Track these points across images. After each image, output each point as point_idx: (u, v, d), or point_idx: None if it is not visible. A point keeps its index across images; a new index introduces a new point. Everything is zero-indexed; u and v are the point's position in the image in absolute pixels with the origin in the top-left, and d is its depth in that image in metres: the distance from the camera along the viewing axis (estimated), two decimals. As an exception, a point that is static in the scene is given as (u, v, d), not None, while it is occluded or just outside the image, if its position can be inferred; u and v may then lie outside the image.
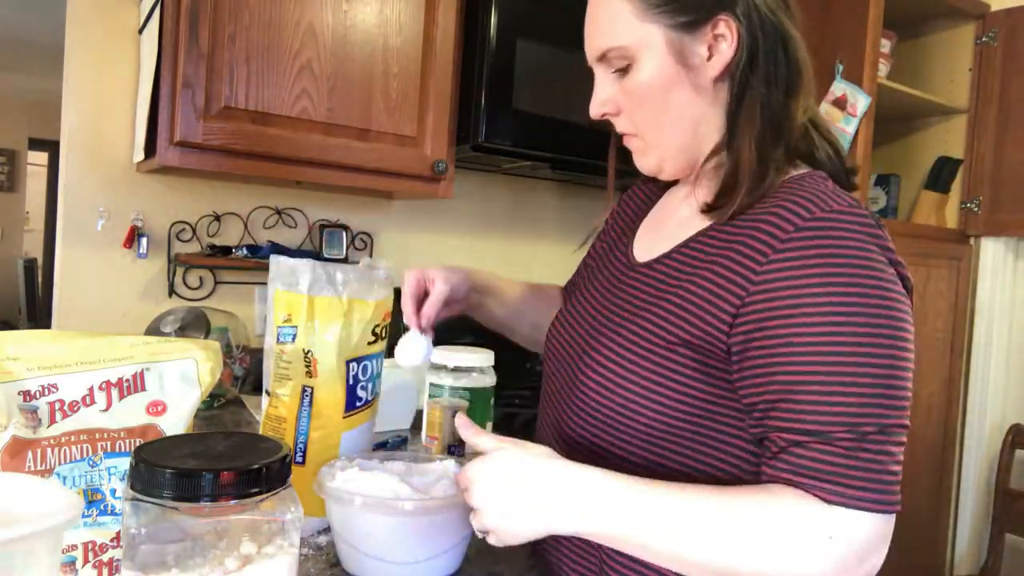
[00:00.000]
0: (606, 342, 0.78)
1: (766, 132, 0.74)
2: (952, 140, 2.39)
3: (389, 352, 0.98)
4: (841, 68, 1.99)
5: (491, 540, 0.71)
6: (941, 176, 2.34)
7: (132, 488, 0.55)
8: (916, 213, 2.38)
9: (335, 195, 1.88)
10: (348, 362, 0.88)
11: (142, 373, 0.70)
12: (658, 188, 0.95)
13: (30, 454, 0.65)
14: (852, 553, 0.63)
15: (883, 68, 2.12)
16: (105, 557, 0.67)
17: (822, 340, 0.64)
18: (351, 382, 0.88)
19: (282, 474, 0.58)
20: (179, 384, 0.72)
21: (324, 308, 0.86)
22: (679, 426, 0.73)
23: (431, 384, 1.20)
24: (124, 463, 0.67)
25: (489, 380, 1.20)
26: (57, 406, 0.66)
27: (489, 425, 1.13)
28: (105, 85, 1.61)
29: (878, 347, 0.64)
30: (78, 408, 0.67)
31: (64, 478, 0.66)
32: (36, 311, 5.70)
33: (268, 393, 0.89)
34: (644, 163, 0.83)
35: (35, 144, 6.40)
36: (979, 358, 2.40)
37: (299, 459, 0.86)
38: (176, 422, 0.71)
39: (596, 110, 0.82)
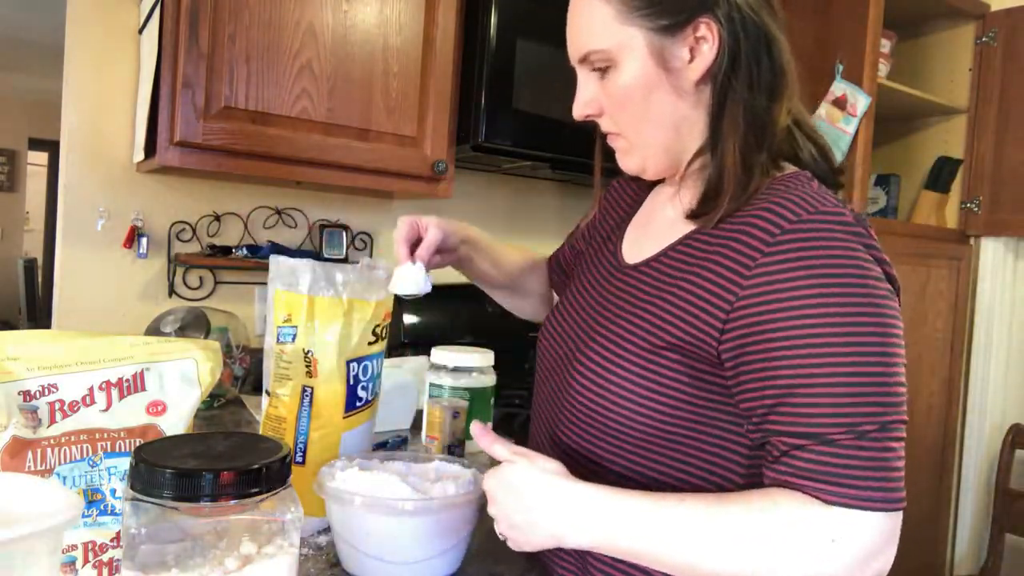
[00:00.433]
0: (595, 346, 0.79)
1: (749, 136, 0.74)
2: (952, 140, 2.39)
3: (389, 352, 0.98)
4: (841, 68, 1.99)
5: (509, 544, 0.74)
6: (941, 176, 2.34)
7: (132, 488, 0.55)
8: (916, 213, 2.38)
9: (335, 195, 1.88)
10: (348, 362, 0.88)
11: (142, 373, 0.70)
12: (645, 186, 0.95)
13: (30, 454, 0.65)
14: (858, 554, 0.63)
15: (883, 68, 2.12)
16: (105, 557, 0.67)
17: (815, 343, 0.64)
18: (351, 382, 0.88)
19: (282, 474, 0.58)
20: (179, 384, 0.72)
21: (324, 308, 0.86)
22: (669, 431, 0.73)
23: (431, 384, 1.20)
24: (124, 463, 0.68)
25: (489, 380, 1.21)
26: (57, 406, 0.66)
27: (488, 425, 1.13)
28: (105, 85, 1.61)
29: (870, 346, 0.64)
30: (78, 408, 0.67)
31: (64, 478, 0.66)
32: (36, 311, 5.70)
33: (268, 393, 0.89)
34: (627, 163, 0.83)
35: (35, 144, 6.40)
36: (979, 358, 2.40)
37: (299, 459, 0.86)
38: (176, 422, 0.71)
39: (579, 111, 0.82)
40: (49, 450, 0.65)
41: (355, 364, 0.88)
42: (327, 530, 0.87)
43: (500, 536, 0.75)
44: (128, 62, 1.62)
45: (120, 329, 1.61)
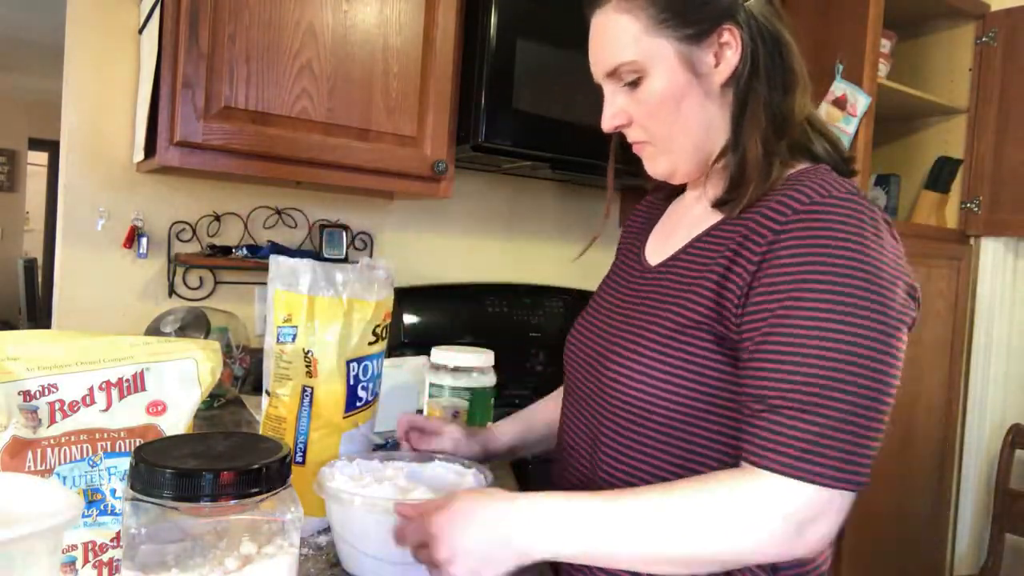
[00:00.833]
0: (629, 336, 0.81)
1: (769, 130, 0.80)
2: (952, 140, 2.39)
3: (389, 352, 0.98)
4: (841, 68, 1.99)
5: None
6: (941, 176, 2.34)
7: (132, 488, 0.55)
8: (916, 213, 2.38)
9: (335, 195, 1.88)
10: (348, 362, 0.88)
11: (142, 373, 0.70)
12: (661, 199, 0.99)
13: (30, 454, 0.65)
14: (786, 522, 0.65)
15: (883, 68, 2.12)
16: (105, 557, 0.67)
17: (806, 314, 0.67)
18: (351, 382, 0.88)
19: (282, 474, 0.58)
20: (179, 384, 0.72)
21: (324, 308, 0.86)
22: (708, 415, 0.76)
23: (431, 384, 1.20)
24: (124, 463, 0.67)
25: (489, 380, 1.20)
26: (57, 406, 0.66)
27: (489, 425, 1.13)
28: (105, 85, 1.61)
29: (860, 323, 0.66)
30: (78, 408, 0.67)
31: (64, 478, 0.66)
32: (36, 311, 5.70)
33: (268, 393, 0.89)
34: (656, 168, 0.87)
35: (35, 144, 6.40)
36: (979, 358, 2.40)
37: (299, 459, 0.86)
38: (176, 422, 0.71)
39: (608, 123, 0.86)
40: (49, 450, 0.65)
41: (355, 364, 0.88)
42: (327, 530, 0.87)
43: None
44: (128, 62, 1.62)
45: (120, 329, 1.61)
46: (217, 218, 1.74)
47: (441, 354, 1.19)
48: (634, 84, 0.82)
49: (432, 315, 1.91)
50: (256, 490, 0.55)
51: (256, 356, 1.54)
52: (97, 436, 0.67)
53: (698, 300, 0.76)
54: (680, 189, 0.95)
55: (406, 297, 1.86)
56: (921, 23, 2.40)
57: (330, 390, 0.87)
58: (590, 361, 0.88)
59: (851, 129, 1.98)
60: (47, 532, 0.47)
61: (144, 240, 1.64)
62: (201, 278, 1.73)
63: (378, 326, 0.91)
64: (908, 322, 0.71)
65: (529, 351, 2.04)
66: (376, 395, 0.94)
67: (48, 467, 0.65)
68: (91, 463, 0.67)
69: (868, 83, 1.97)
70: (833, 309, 0.67)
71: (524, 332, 2.04)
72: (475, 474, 0.86)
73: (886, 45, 2.14)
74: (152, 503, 0.54)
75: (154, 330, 1.50)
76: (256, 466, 0.56)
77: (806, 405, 0.65)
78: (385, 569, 0.77)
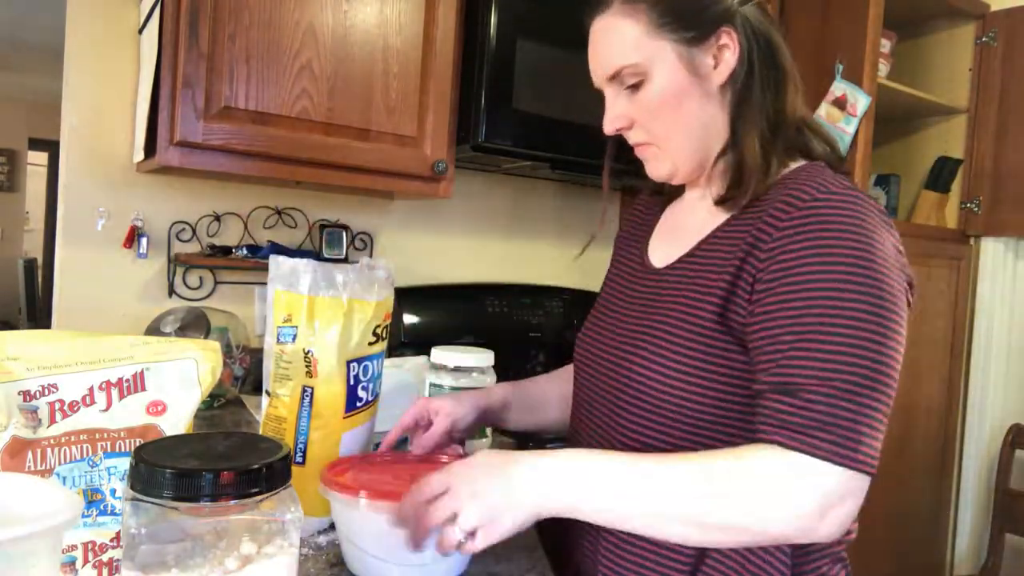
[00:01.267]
0: (648, 336, 0.83)
1: (766, 128, 0.83)
2: (952, 140, 2.39)
3: (389, 352, 0.98)
4: (841, 68, 1.99)
5: (474, 544, 0.71)
6: (941, 176, 2.34)
7: (132, 488, 0.55)
8: (916, 213, 2.38)
9: (335, 195, 1.88)
10: (348, 362, 0.88)
11: (142, 373, 0.70)
12: (656, 202, 1.00)
13: (30, 454, 0.65)
14: (811, 502, 0.66)
15: (883, 68, 2.12)
16: (105, 557, 0.67)
17: (810, 303, 0.70)
18: (352, 382, 0.88)
19: (282, 474, 0.58)
20: (179, 384, 0.72)
21: (324, 308, 0.86)
22: (725, 410, 0.77)
23: (431, 384, 1.20)
24: (124, 463, 0.67)
25: (489, 380, 1.21)
26: (57, 406, 0.66)
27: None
28: (105, 85, 1.61)
29: (862, 311, 0.69)
30: (78, 408, 0.67)
31: (64, 478, 0.66)
32: (36, 311, 5.70)
33: (268, 393, 0.89)
34: (657, 169, 0.89)
35: (35, 144, 6.40)
36: (979, 358, 2.40)
37: (299, 459, 0.86)
38: (176, 422, 0.71)
39: (610, 126, 0.87)
40: (49, 450, 0.65)
41: (355, 364, 0.88)
42: (327, 530, 0.87)
43: (459, 539, 0.70)
44: (128, 62, 1.62)
45: (120, 329, 1.61)
46: (217, 218, 1.74)
47: (441, 354, 1.19)
48: (635, 87, 0.84)
49: (432, 315, 1.91)
50: (256, 490, 0.55)
51: (256, 356, 1.54)
52: (97, 436, 0.67)
53: (714, 299, 0.79)
54: (676, 192, 0.96)
55: (406, 297, 1.86)
56: (921, 23, 2.40)
57: (330, 390, 0.87)
58: (607, 362, 0.88)
59: (851, 129, 1.98)
60: (47, 532, 0.47)
61: (144, 240, 1.64)
62: (201, 278, 1.73)
63: (378, 326, 0.91)
64: (905, 307, 0.73)
65: (529, 351, 2.04)
66: (376, 395, 0.94)
67: (48, 467, 0.65)
68: (91, 463, 0.67)
69: (868, 83, 1.97)
70: (841, 294, 0.69)
71: (524, 332, 2.04)
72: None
73: (886, 45, 2.14)
74: (152, 503, 0.54)
75: (154, 330, 1.50)
76: (256, 466, 0.56)
77: (828, 387, 0.67)
78: (390, 570, 0.77)
